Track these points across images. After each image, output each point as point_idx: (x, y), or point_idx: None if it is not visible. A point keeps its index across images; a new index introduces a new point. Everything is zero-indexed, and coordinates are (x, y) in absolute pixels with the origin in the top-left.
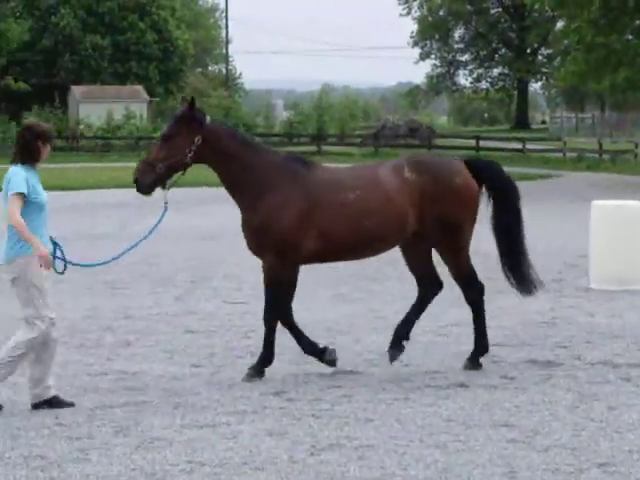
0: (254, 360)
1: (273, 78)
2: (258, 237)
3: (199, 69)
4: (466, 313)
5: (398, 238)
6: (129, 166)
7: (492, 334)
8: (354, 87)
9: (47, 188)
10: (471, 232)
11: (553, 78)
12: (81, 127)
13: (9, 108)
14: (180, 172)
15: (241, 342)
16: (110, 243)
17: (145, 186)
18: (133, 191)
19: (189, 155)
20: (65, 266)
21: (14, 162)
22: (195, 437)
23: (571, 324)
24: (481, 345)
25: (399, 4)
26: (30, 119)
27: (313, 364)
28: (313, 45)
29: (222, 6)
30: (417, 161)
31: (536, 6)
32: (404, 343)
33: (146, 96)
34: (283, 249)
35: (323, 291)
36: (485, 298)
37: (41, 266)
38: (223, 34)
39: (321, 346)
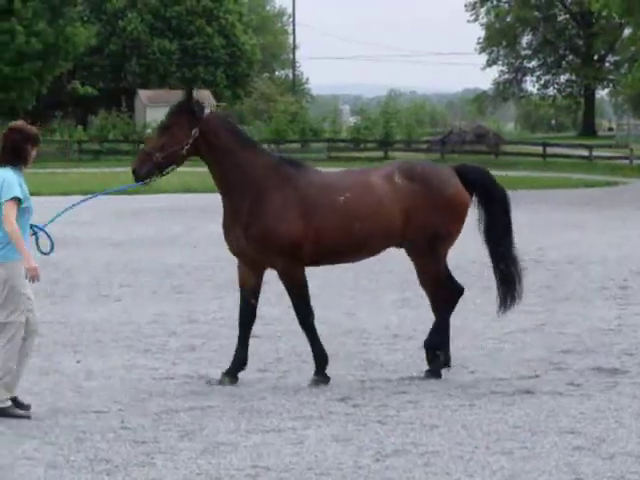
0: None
1: (340, 84)
2: (263, 245)
3: (266, 74)
4: (532, 319)
5: (385, 244)
6: (193, 171)
7: (558, 341)
8: (420, 93)
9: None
10: (452, 244)
11: (620, 85)
12: (148, 131)
13: (76, 112)
14: (176, 164)
15: (307, 347)
16: (172, 248)
17: (142, 174)
18: (196, 195)
19: (185, 147)
20: (52, 247)
21: (2, 163)
22: (260, 442)
23: (637, 331)
24: (445, 355)
25: (466, 10)
26: (16, 121)
27: (379, 370)
28: (380, 51)
29: (289, 11)
30: (408, 168)
31: (603, 13)
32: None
33: (213, 101)
34: (291, 251)
35: (388, 295)
36: (547, 307)
37: (32, 280)
38: (290, 39)
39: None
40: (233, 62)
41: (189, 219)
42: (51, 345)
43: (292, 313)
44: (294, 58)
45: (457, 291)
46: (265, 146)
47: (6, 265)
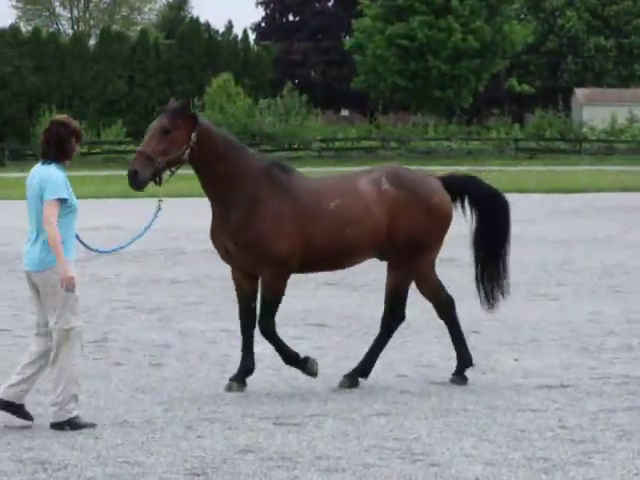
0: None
1: None
2: (256, 251)
3: None
4: None
5: (371, 251)
6: (633, 170)
7: None
8: None
9: (553, 191)
10: (434, 257)
11: None
12: (584, 130)
13: (512, 110)
14: (173, 169)
15: None
16: (609, 248)
17: (143, 180)
18: (634, 194)
19: (186, 152)
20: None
21: (46, 159)
22: None
23: None
24: (366, 365)
25: None
26: (58, 115)
27: None
28: None
29: None
30: (396, 174)
31: None
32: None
33: None
34: (283, 260)
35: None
36: None
37: (65, 290)
38: None
39: (302, 356)
40: None
41: (626, 218)
42: (489, 344)
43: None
44: None
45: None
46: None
47: (51, 271)
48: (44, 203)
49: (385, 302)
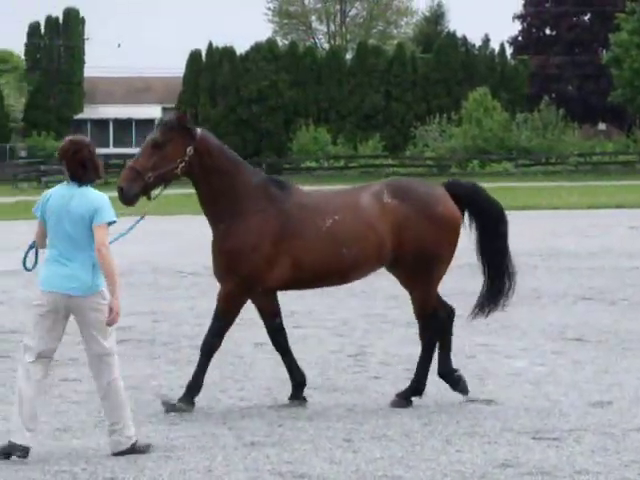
0: None
1: None
2: (225, 262)
3: None
4: None
5: (374, 267)
6: None
7: None
8: None
9: None
10: (447, 267)
11: None
12: None
13: None
14: (165, 184)
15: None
16: None
17: (131, 196)
18: None
19: (180, 165)
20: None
21: (82, 181)
22: None
23: None
24: (419, 384)
25: None
26: (75, 136)
27: None
28: None
29: None
30: (397, 186)
31: None
32: (455, 375)
33: None
34: (248, 279)
35: None
36: None
37: (110, 319)
38: None
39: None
40: None
41: None
42: None
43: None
44: None
45: (449, 313)
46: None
47: (102, 293)
48: (96, 227)
49: (417, 319)
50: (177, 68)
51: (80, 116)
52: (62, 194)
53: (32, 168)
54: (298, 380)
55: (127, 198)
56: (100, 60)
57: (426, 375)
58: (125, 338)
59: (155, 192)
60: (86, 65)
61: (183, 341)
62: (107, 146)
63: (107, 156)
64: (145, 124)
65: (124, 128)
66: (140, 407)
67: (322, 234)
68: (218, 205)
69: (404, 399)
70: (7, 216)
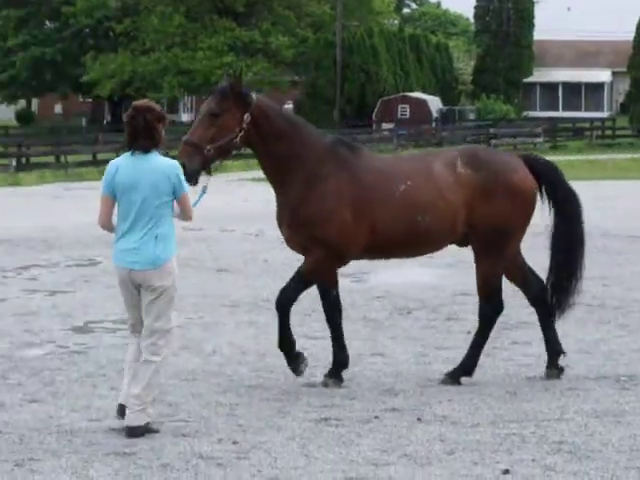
0: None
1: None
2: (309, 231)
3: None
4: None
5: (447, 239)
6: None
7: None
8: None
9: None
10: (520, 240)
11: None
12: None
13: None
14: (224, 157)
15: None
16: None
17: (193, 172)
18: None
19: (240, 135)
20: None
21: (147, 148)
22: None
23: None
24: (467, 365)
25: None
26: (141, 101)
27: None
28: None
29: None
30: (471, 155)
31: None
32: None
33: None
34: (338, 245)
35: None
36: None
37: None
38: None
39: (297, 351)
40: None
41: None
42: None
43: None
44: None
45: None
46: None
47: (172, 263)
48: (181, 196)
49: (479, 294)
50: (627, 31)
51: (529, 79)
52: (130, 165)
53: (481, 131)
54: (342, 359)
55: (189, 174)
56: (550, 23)
57: (479, 355)
58: (576, 302)
59: (214, 165)
60: (535, 28)
61: (634, 306)
62: (556, 109)
63: (555, 119)
64: (595, 88)
65: (573, 92)
66: (590, 370)
67: (396, 199)
68: (284, 172)
69: (453, 378)
70: None
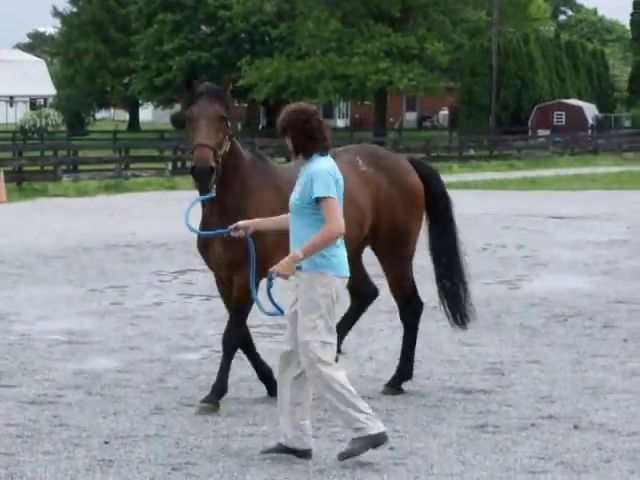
0: None
1: None
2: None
3: None
4: None
5: (355, 244)
6: None
7: None
8: None
9: None
10: (417, 241)
11: None
12: None
13: None
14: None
15: None
16: None
17: (212, 179)
18: None
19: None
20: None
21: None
22: None
23: None
24: (405, 369)
25: None
26: (297, 104)
27: None
28: None
29: None
30: (370, 154)
31: None
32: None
33: None
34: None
35: None
36: None
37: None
38: None
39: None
40: None
41: None
42: None
43: None
44: None
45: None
46: None
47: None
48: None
49: (397, 299)
50: None
51: None
52: (337, 167)
53: (637, 138)
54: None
55: (209, 181)
56: None
57: (412, 358)
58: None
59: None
60: None
61: None
62: None
63: None
64: None
65: None
66: None
67: None
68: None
69: (394, 387)
70: (613, 185)
